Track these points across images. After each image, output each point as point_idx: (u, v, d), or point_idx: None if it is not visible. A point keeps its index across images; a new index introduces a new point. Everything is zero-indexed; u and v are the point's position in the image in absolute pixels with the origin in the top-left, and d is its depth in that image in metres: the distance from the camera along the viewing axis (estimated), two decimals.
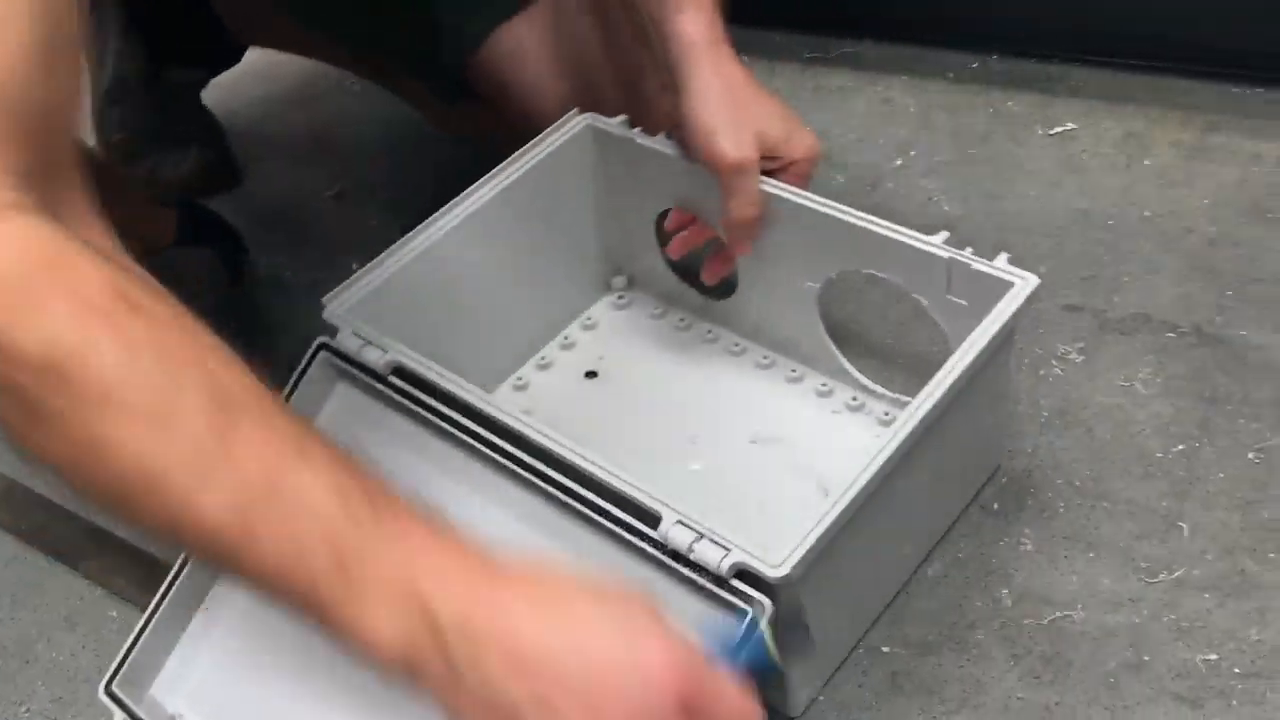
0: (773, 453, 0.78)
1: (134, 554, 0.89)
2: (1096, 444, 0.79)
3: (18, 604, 0.87)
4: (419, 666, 0.43)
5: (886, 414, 0.79)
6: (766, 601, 0.54)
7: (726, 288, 0.86)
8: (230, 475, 0.43)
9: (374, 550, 0.43)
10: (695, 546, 0.56)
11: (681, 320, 0.89)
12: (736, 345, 0.86)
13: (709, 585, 0.55)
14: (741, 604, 0.54)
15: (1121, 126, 1.01)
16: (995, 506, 0.77)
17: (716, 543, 0.55)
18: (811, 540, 0.53)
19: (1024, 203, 0.97)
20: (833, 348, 0.81)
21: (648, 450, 0.66)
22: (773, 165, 0.75)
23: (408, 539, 0.44)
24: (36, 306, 0.42)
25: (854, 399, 0.80)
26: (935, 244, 0.69)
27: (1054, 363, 0.84)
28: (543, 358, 0.88)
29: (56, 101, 0.46)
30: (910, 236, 0.70)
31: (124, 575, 0.87)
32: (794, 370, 0.83)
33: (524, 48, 0.89)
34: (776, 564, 0.53)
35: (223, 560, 0.45)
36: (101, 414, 0.42)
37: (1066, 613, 0.71)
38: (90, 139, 1.09)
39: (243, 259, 0.97)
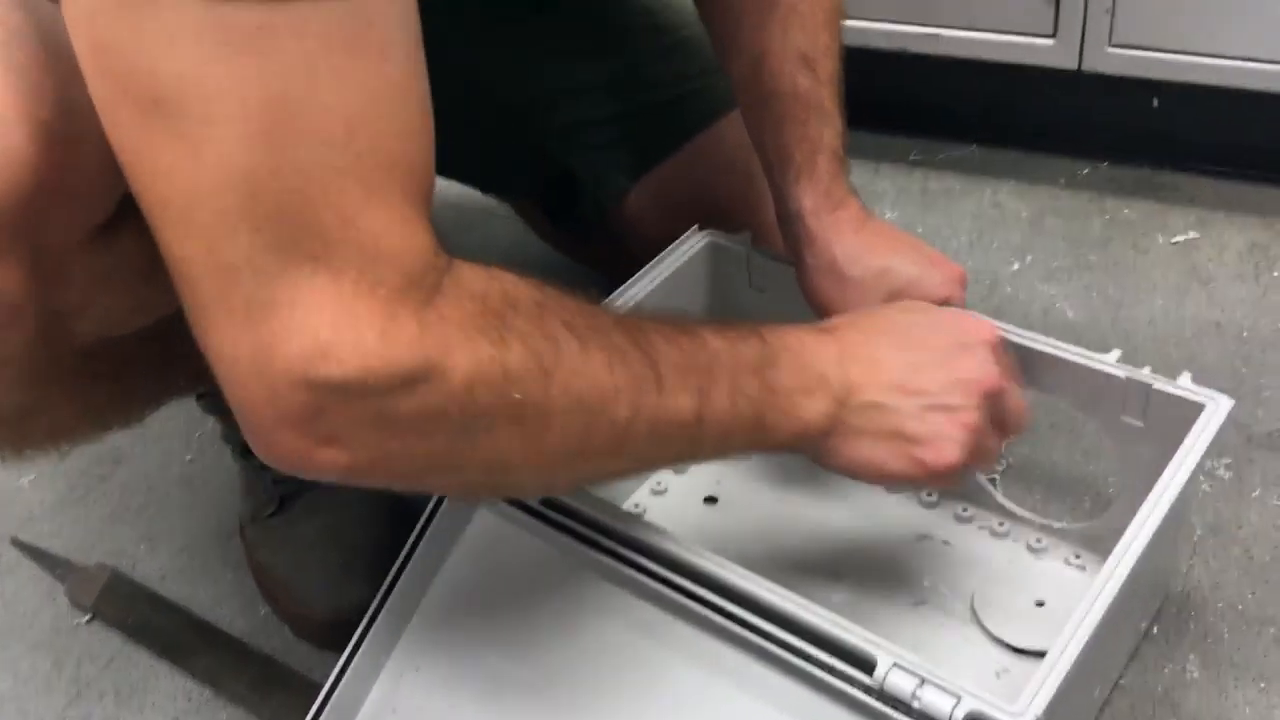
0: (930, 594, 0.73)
1: (244, 652, 0.86)
2: (1255, 566, 0.76)
3: (122, 704, 0.84)
4: (834, 425, 0.57)
5: (1039, 541, 0.74)
6: None
7: None
8: (679, 382, 0.52)
9: (780, 375, 0.56)
10: (919, 693, 0.52)
11: None
12: None
13: None
14: None
15: (1244, 237, 1.00)
16: (1154, 630, 0.74)
17: (943, 689, 0.51)
18: (1053, 686, 0.50)
19: (1151, 311, 0.95)
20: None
21: (784, 582, 0.61)
22: None
23: (788, 350, 0.57)
24: (508, 329, 0.48)
25: (1000, 524, 0.76)
26: (1110, 363, 0.67)
27: (1202, 479, 0.82)
28: (658, 483, 0.82)
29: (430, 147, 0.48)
30: (1081, 355, 0.68)
31: (234, 675, 0.84)
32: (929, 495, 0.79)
33: (670, 195, 0.87)
34: (1019, 712, 0.50)
35: (688, 444, 0.55)
36: (591, 374, 0.50)
37: None
38: None
39: None
